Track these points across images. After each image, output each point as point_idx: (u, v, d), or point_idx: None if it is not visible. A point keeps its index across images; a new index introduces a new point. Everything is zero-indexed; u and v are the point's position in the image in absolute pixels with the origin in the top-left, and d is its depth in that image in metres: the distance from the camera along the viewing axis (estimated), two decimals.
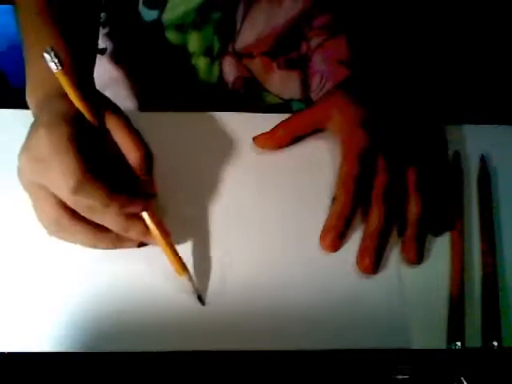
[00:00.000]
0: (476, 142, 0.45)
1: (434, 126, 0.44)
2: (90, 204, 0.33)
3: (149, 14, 0.50)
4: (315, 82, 0.56)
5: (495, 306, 0.37)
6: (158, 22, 0.51)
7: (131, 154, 0.36)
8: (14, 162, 0.35)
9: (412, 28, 0.51)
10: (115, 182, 0.34)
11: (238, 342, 0.36)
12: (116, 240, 0.36)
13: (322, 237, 0.39)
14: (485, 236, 0.40)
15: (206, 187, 0.41)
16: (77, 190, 0.33)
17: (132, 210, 0.35)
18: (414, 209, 0.39)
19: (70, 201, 0.33)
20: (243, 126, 0.44)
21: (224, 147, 0.43)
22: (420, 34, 0.50)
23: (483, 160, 0.44)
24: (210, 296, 0.37)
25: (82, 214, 0.34)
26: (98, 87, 0.40)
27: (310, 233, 0.39)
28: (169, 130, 0.44)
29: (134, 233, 0.36)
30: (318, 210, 0.40)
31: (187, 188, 0.41)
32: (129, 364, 0.35)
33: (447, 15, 0.51)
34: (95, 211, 0.34)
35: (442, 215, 0.40)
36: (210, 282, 0.37)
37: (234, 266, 0.38)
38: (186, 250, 0.38)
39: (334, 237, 0.38)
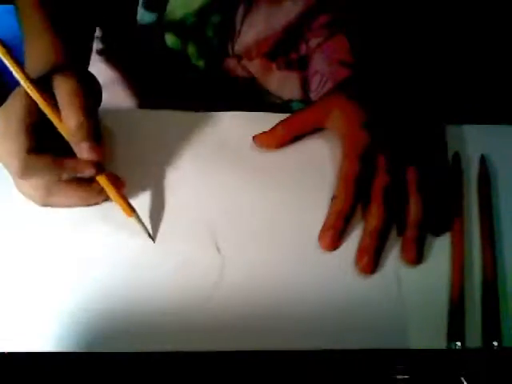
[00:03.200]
0: (476, 142, 0.45)
1: (435, 126, 0.44)
2: (43, 181, 0.35)
3: (148, 17, 0.50)
4: (315, 82, 0.56)
5: (495, 306, 0.37)
6: (156, 24, 0.51)
7: (68, 118, 0.35)
8: None
9: (412, 28, 0.51)
10: (64, 153, 0.35)
11: (238, 341, 0.36)
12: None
13: (321, 236, 0.39)
14: (485, 236, 0.40)
15: (206, 187, 0.41)
16: (21, 173, 0.33)
17: (85, 174, 0.36)
18: (413, 209, 0.39)
19: (26, 183, 0.35)
20: (243, 125, 0.44)
21: (224, 147, 0.43)
22: (420, 34, 0.50)
23: (483, 160, 0.43)
24: (209, 296, 0.37)
25: (43, 190, 0.36)
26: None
27: (309, 231, 0.39)
28: (168, 128, 0.44)
29: (93, 199, 0.38)
30: (317, 208, 0.40)
31: (187, 188, 0.41)
32: (129, 364, 0.35)
33: (447, 15, 0.51)
34: (51, 186, 0.36)
35: (442, 215, 0.40)
36: (210, 281, 0.37)
37: (233, 266, 0.38)
38: (185, 249, 0.38)
39: (333, 236, 0.38)
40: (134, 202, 0.39)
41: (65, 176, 0.35)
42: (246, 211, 0.40)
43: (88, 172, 0.36)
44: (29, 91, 0.34)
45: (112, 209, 0.39)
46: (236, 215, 0.40)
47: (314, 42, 0.54)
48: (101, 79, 0.40)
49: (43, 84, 0.35)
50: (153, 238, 0.38)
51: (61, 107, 0.35)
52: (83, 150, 0.35)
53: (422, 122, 0.43)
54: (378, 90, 0.44)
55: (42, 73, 0.36)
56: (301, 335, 0.36)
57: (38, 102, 0.35)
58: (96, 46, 0.60)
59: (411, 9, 0.51)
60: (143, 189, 0.41)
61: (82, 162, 0.36)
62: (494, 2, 0.54)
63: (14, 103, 0.35)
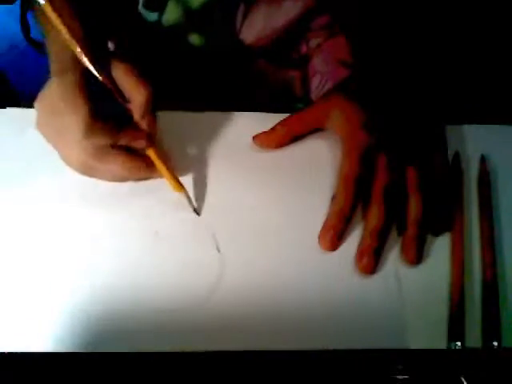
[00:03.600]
0: (476, 142, 0.45)
1: (435, 126, 0.44)
2: (101, 143, 0.37)
3: (149, 16, 0.50)
4: (315, 82, 0.56)
5: (495, 306, 0.37)
6: (158, 23, 0.51)
7: (136, 94, 0.37)
8: (11, 159, 0.35)
9: (412, 28, 0.51)
10: (121, 123, 0.38)
11: (237, 341, 0.36)
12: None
13: (321, 236, 0.39)
14: (485, 236, 0.40)
15: (206, 187, 0.41)
16: (87, 132, 0.36)
17: (137, 145, 0.38)
18: (413, 209, 0.39)
19: (84, 144, 0.36)
20: (243, 125, 0.44)
21: (224, 147, 0.43)
22: (420, 34, 0.50)
23: (483, 160, 0.43)
24: (209, 296, 0.37)
25: (96, 155, 0.37)
26: None
27: (310, 232, 0.39)
28: (168, 128, 0.44)
29: (138, 172, 0.40)
30: (317, 209, 0.40)
31: (187, 187, 0.41)
32: (129, 364, 0.35)
33: (447, 15, 0.51)
34: (104, 153, 0.37)
35: (442, 215, 0.40)
36: (210, 281, 0.38)
37: (233, 266, 0.38)
38: (185, 249, 0.38)
39: (333, 236, 0.38)
40: (134, 202, 0.39)
41: (122, 142, 0.38)
42: (246, 211, 0.40)
43: (143, 143, 0.38)
44: (87, 60, 0.35)
45: (112, 209, 0.39)
46: (236, 215, 0.40)
47: (313, 42, 0.54)
48: None
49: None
50: (198, 212, 0.40)
51: (125, 82, 0.37)
52: (145, 122, 0.38)
53: (422, 122, 0.43)
54: (377, 90, 0.44)
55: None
56: (301, 335, 0.36)
57: (94, 70, 0.36)
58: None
59: (411, 9, 0.51)
60: (143, 188, 0.41)
61: (139, 132, 0.38)
62: (493, 2, 0.54)
63: (65, 76, 0.36)
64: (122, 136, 0.37)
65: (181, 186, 0.39)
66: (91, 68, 0.36)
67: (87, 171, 0.39)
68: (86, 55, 0.35)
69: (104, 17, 0.49)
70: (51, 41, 0.39)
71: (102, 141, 0.37)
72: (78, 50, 0.35)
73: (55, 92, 0.36)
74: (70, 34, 0.35)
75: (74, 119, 0.36)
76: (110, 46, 0.59)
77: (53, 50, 0.39)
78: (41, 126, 0.38)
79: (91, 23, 0.42)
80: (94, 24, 0.43)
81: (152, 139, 0.39)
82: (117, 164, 0.38)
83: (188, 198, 0.40)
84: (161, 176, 0.40)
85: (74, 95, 0.35)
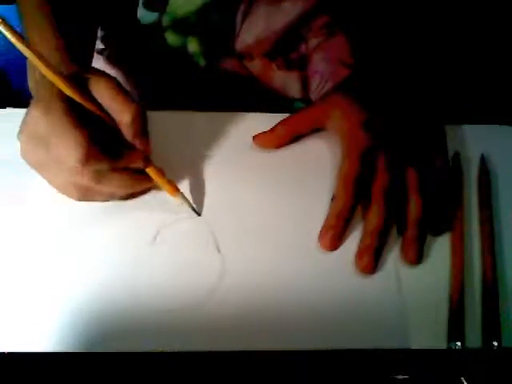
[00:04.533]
0: (476, 142, 0.45)
1: (434, 126, 0.44)
2: (97, 169, 0.35)
3: (148, 16, 0.50)
4: (315, 82, 0.56)
5: (495, 306, 0.37)
6: (157, 24, 0.51)
7: (123, 114, 0.36)
8: (11, 160, 0.35)
9: (412, 28, 0.51)
10: (113, 146, 0.36)
11: (237, 342, 0.35)
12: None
13: (321, 236, 0.39)
14: (485, 236, 0.40)
15: (206, 187, 0.41)
16: (85, 161, 0.34)
17: (135, 166, 0.37)
18: (413, 209, 0.39)
19: (81, 171, 0.35)
20: (243, 125, 0.44)
21: (224, 147, 0.43)
22: (420, 34, 0.50)
23: (483, 160, 0.44)
24: (209, 296, 0.37)
25: (91, 180, 0.36)
26: None
27: (310, 232, 0.39)
28: (169, 128, 0.44)
29: (139, 186, 0.39)
30: (317, 208, 0.40)
31: (187, 188, 0.41)
32: (129, 364, 0.35)
33: (447, 15, 0.51)
34: (102, 176, 0.36)
35: (442, 215, 0.40)
36: (210, 281, 0.37)
37: (233, 266, 0.38)
38: (185, 248, 0.38)
39: (333, 236, 0.38)
40: (134, 202, 0.39)
41: (120, 165, 0.37)
42: (246, 211, 0.40)
43: (140, 164, 0.37)
44: (68, 91, 0.34)
45: (113, 209, 0.39)
46: (236, 215, 0.40)
47: (313, 42, 0.54)
48: None
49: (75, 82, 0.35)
50: (198, 212, 0.40)
51: (109, 104, 0.36)
52: (138, 142, 0.37)
53: (422, 122, 0.43)
54: (377, 90, 0.44)
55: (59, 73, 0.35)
56: (301, 335, 0.36)
57: (77, 98, 0.35)
58: (97, 46, 0.60)
59: (411, 9, 0.51)
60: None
61: (135, 154, 0.37)
62: (494, 2, 0.54)
63: (49, 104, 0.34)
64: (120, 159, 0.36)
65: (179, 192, 0.39)
66: (74, 97, 0.34)
67: (86, 196, 0.38)
68: (66, 84, 0.34)
69: (93, 18, 0.49)
70: (31, 69, 0.38)
71: (100, 166, 0.35)
72: (56, 79, 0.34)
73: (41, 121, 0.34)
74: (45, 65, 0.33)
75: (66, 149, 0.34)
76: (103, 46, 0.59)
77: (32, 77, 0.38)
78: (27, 155, 0.36)
79: (74, 33, 0.41)
80: (78, 32, 0.43)
81: (148, 159, 0.38)
82: (117, 185, 0.37)
83: (188, 203, 0.39)
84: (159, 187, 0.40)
85: (62, 124, 0.33)
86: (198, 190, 0.41)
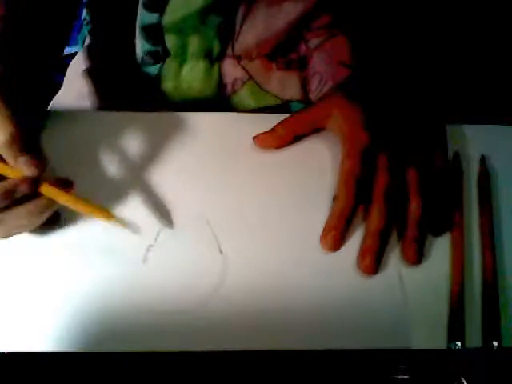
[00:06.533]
0: (476, 142, 0.45)
1: (435, 126, 0.44)
2: None
3: (148, 17, 0.50)
4: (315, 82, 0.56)
5: (495, 306, 0.37)
6: (157, 25, 0.51)
7: None
8: None
9: (412, 28, 0.51)
10: None
11: (238, 342, 0.36)
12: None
13: (323, 236, 0.39)
14: (485, 236, 0.40)
15: (207, 187, 0.41)
16: None
17: (19, 193, 0.33)
18: (414, 209, 0.39)
19: None
20: (243, 126, 0.44)
21: (224, 147, 0.43)
22: (420, 34, 0.50)
23: (483, 160, 0.44)
24: (211, 296, 0.37)
25: None
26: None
27: (311, 232, 0.39)
28: (169, 129, 0.44)
29: (36, 208, 0.34)
30: (318, 209, 0.40)
31: (188, 188, 0.41)
32: (129, 364, 0.35)
33: (447, 15, 0.51)
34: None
35: (442, 215, 0.40)
36: (212, 282, 0.38)
37: (235, 266, 0.38)
38: (187, 249, 0.38)
39: (335, 236, 0.38)
40: (134, 202, 0.39)
41: (1, 204, 0.32)
42: (247, 212, 0.40)
43: (24, 187, 0.33)
44: None
45: (113, 209, 0.39)
46: (237, 216, 0.40)
47: (313, 43, 0.54)
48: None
49: None
50: (134, 229, 0.37)
51: None
52: (21, 163, 0.33)
53: (422, 122, 0.43)
54: (378, 90, 0.44)
55: None
56: (302, 335, 0.36)
57: None
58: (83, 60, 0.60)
59: (411, 9, 0.51)
60: (145, 189, 0.41)
61: (15, 181, 0.33)
62: (493, 2, 0.54)
63: None
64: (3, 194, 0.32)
65: (108, 213, 0.36)
66: None
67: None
68: None
69: None
70: None
71: None
72: None
73: None
74: None
75: None
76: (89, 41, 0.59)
77: None
78: None
79: None
80: None
81: (37, 179, 0.33)
82: (19, 223, 0.34)
83: (121, 222, 0.37)
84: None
85: None
86: (199, 191, 0.41)
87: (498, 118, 0.46)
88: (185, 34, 0.52)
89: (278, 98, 0.56)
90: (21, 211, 0.33)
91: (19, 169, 0.33)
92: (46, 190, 0.34)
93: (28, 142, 0.33)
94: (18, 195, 0.33)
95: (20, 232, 0.36)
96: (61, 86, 0.62)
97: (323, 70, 0.55)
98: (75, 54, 0.63)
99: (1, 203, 0.32)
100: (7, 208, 0.33)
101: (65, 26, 0.50)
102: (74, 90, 0.59)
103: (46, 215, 0.35)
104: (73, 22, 0.51)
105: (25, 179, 0.33)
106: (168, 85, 0.54)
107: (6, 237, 0.35)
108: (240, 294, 0.37)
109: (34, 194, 0.33)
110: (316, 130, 0.44)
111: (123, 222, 0.38)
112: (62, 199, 0.35)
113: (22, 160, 0.32)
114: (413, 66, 0.48)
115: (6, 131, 0.32)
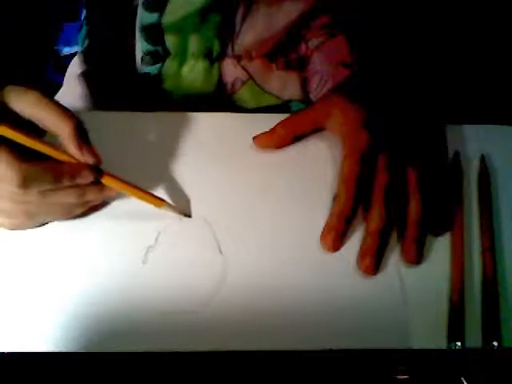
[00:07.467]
0: (476, 142, 0.45)
1: (435, 126, 0.44)
2: (41, 189, 0.34)
3: (148, 17, 0.50)
4: (314, 82, 0.56)
5: (495, 306, 0.37)
6: (157, 25, 0.51)
7: (61, 127, 0.34)
8: None
9: (412, 28, 0.51)
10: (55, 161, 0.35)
11: (238, 342, 0.36)
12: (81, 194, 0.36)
13: (323, 236, 0.39)
14: (485, 236, 0.40)
15: (207, 187, 0.41)
16: (24, 182, 0.33)
17: (82, 181, 0.35)
18: (414, 209, 0.39)
19: (21, 194, 0.33)
20: (243, 126, 0.44)
21: (224, 147, 0.43)
22: (420, 34, 0.50)
23: (483, 160, 0.44)
24: (211, 296, 0.37)
25: (37, 200, 0.35)
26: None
27: (311, 232, 0.39)
28: (169, 129, 0.44)
29: (92, 194, 0.37)
30: (318, 209, 0.40)
31: (188, 189, 0.41)
32: (129, 364, 0.35)
33: (447, 15, 0.51)
34: (47, 194, 0.35)
35: (442, 215, 0.40)
36: (212, 282, 0.38)
37: (235, 267, 0.38)
38: (187, 250, 0.38)
39: (335, 237, 0.38)
40: (134, 202, 0.39)
41: (65, 182, 0.35)
42: (247, 212, 0.40)
43: (88, 175, 0.35)
44: None
45: (113, 209, 0.39)
46: (237, 216, 0.40)
47: (313, 43, 0.54)
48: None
49: None
50: (189, 215, 0.40)
51: (40, 117, 0.34)
52: (82, 154, 0.35)
53: (422, 122, 0.43)
54: (377, 90, 0.44)
55: None
56: (302, 335, 0.36)
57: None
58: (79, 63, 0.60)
59: (411, 9, 0.51)
60: (145, 189, 0.41)
61: (81, 166, 0.35)
62: (493, 2, 0.54)
63: None
64: (64, 173, 0.34)
65: (160, 201, 0.38)
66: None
67: (34, 220, 0.37)
68: None
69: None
70: None
71: (42, 186, 0.33)
72: None
73: None
74: None
75: (1, 175, 0.32)
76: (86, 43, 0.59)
77: None
78: None
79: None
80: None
81: (98, 169, 0.36)
82: (64, 201, 0.36)
83: (172, 208, 0.39)
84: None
85: None
86: (199, 191, 0.41)
87: (498, 117, 0.46)
88: (185, 34, 0.52)
89: (278, 97, 0.56)
90: (67, 193, 0.36)
91: (83, 159, 0.35)
92: (107, 178, 0.37)
93: (85, 133, 0.35)
94: (82, 180, 0.35)
95: (57, 218, 0.38)
96: (61, 86, 0.62)
97: (323, 69, 0.55)
98: (75, 54, 0.63)
99: (64, 182, 0.35)
100: (62, 189, 0.35)
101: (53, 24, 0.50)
102: (74, 90, 0.59)
103: (90, 204, 0.38)
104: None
105: (89, 167, 0.35)
106: (168, 85, 0.54)
107: (44, 221, 0.38)
108: (240, 294, 0.37)
109: (96, 182, 0.36)
110: (316, 130, 0.44)
111: (176, 209, 0.39)
112: (121, 187, 0.37)
113: (86, 150, 0.35)
114: (413, 66, 0.48)
115: (69, 123, 0.34)
